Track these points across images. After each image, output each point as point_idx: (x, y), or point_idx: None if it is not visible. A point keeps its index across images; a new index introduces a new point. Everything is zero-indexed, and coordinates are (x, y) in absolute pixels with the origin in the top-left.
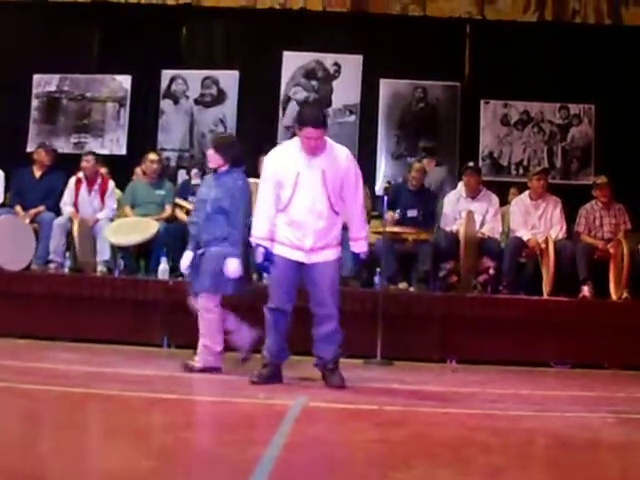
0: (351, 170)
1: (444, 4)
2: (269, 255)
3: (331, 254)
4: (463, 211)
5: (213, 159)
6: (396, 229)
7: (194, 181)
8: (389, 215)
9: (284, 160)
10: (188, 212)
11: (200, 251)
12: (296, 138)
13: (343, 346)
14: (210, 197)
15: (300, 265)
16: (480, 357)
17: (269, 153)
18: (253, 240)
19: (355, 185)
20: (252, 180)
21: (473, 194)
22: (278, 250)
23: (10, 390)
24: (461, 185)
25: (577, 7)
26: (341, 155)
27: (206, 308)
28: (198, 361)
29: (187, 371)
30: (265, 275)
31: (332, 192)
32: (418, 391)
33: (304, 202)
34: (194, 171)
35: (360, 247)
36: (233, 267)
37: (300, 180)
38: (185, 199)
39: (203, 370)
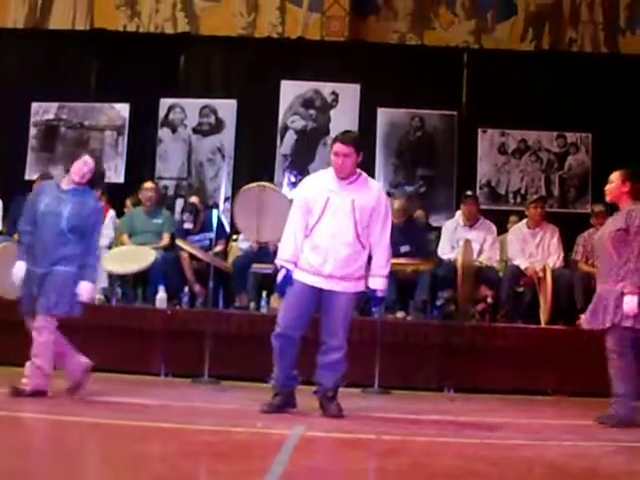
0: (382, 205)
1: (442, 33)
2: (289, 278)
3: (350, 286)
4: (461, 240)
5: (87, 172)
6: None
7: (186, 225)
8: None
9: (316, 186)
10: (192, 255)
11: (42, 269)
12: (331, 168)
13: (345, 377)
14: (65, 213)
15: (318, 292)
16: (478, 386)
17: (305, 179)
18: (277, 261)
19: (383, 221)
20: None
21: (471, 222)
22: (297, 275)
23: (7, 419)
24: (459, 214)
25: (574, 36)
26: (373, 188)
27: (48, 328)
28: (27, 384)
29: (15, 395)
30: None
31: (359, 222)
32: (416, 420)
33: (329, 227)
34: (186, 215)
35: (378, 284)
36: (88, 292)
37: (328, 205)
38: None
39: (32, 394)
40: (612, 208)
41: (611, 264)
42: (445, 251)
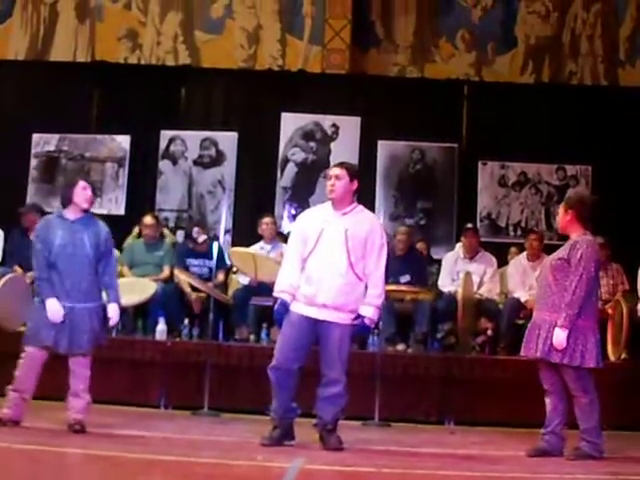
0: (376, 235)
1: (442, 66)
2: (285, 308)
3: (346, 317)
4: (461, 272)
5: (91, 196)
6: (394, 287)
7: (201, 238)
8: None
9: (312, 218)
10: (192, 286)
11: (71, 303)
12: (329, 201)
13: (345, 410)
14: (87, 243)
15: (313, 324)
16: (478, 418)
17: (302, 212)
18: (275, 294)
19: (379, 252)
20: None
21: (471, 255)
22: (294, 307)
23: (6, 450)
24: (459, 246)
25: (574, 69)
26: (367, 218)
27: (88, 364)
28: (84, 419)
29: (80, 431)
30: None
31: (353, 252)
32: (416, 453)
33: (323, 257)
34: (195, 230)
35: (368, 312)
36: (117, 313)
37: (323, 236)
38: (185, 266)
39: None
40: (612, 240)
41: (547, 292)
42: (445, 283)
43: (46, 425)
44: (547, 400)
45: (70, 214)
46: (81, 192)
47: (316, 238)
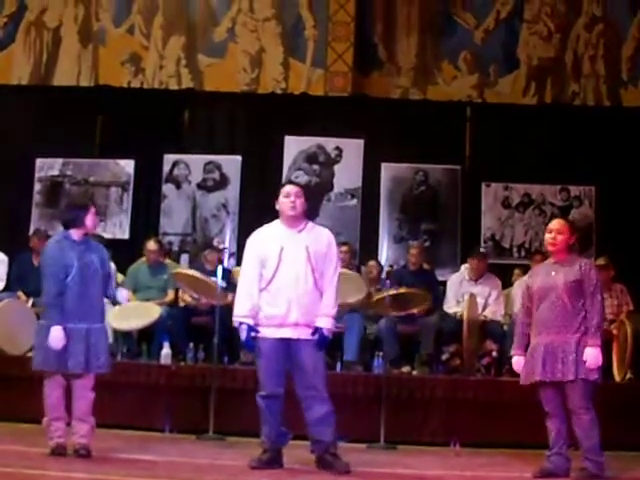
0: (332, 250)
1: (444, 88)
2: (253, 331)
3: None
4: (466, 294)
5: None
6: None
7: (221, 245)
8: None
9: (267, 238)
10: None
11: (87, 324)
12: (278, 220)
13: (339, 428)
14: (97, 264)
15: (286, 345)
16: (484, 440)
17: (252, 234)
18: (235, 319)
19: (335, 266)
20: None
21: (476, 277)
22: (263, 332)
23: (9, 475)
24: (464, 267)
25: (576, 89)
26: (323, 234)
27: (91, 387)
28: (89, 444)
29: (85, 455)
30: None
31: (316, 268)
32: (422, 475)
33: (288, 276)
34: (207, 251)
35: (325, 323)
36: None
37: (283, 255)
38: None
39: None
40: (616, 261)
41: (564, 314)
42: (451, 305)
43: (40, 449)
44: (549, 423)
45: (75, 235)
46: (93, 218)
47: (277, 258)
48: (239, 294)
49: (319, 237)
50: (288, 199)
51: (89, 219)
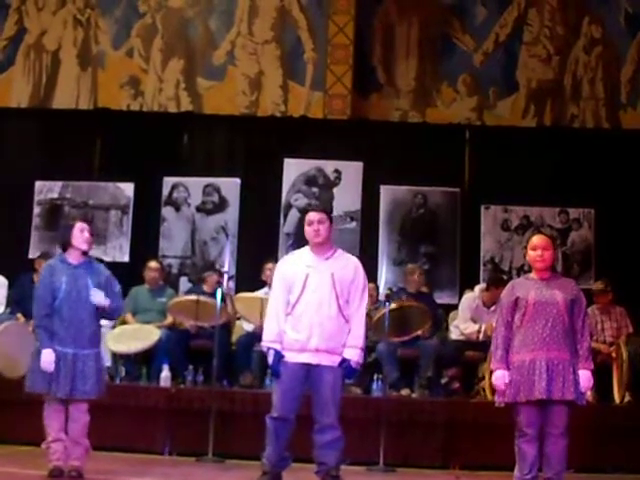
0: (360, 278)
1: (443, 110)
2: (280, 358)
3: (337, 360)
4: (477, 319)
5: (89, 237)
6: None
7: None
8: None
9: (294, 264)
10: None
11: (74, 350)
12: (307, 246)
13: (345, 453)
14: (91, 288)
15: (307, 370)
16: (484, 463)
17: (282, 258)
18: (263, 344)
19: (361, 295)
20: (262, 292)
21: (491, 304)
22: (286, 356)
23: None
24: (479, 290)
25: (575, 112)
26: (350, 262)
27: (87, 410)
28: (82, 466)
29: (76, 477)
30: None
31: (340, 295)
32: None
33: (312, 303)
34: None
35: (353, 355)
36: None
37: (309, 282)
38: None
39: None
40: (616, 283)
41: (562, 333)
42: (467, 324)
43: (38, 472)
44: (526, 446)
45: (72, 258)
46: (79, 235)
47: (302, 284)
48: (268, 319)
49: (346, 264)
50: (311, 227)
51: (75, 238)
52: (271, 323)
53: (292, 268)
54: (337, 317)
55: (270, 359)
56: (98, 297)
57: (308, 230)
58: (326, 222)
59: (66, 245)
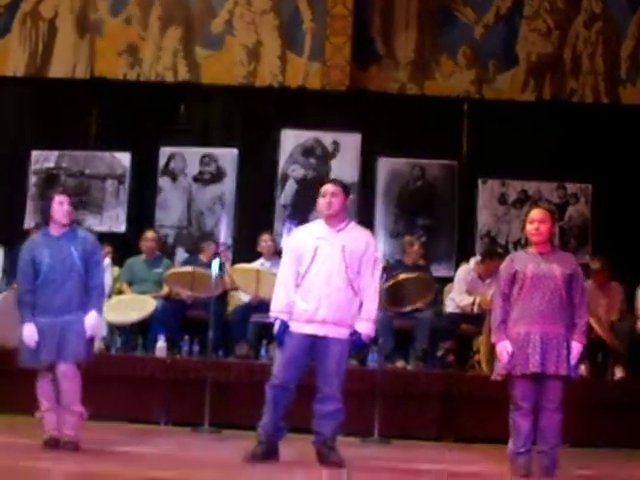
0: (371, 250)
1: (442, 83)
2: (286, 328)
3: (345, 333)
4: (474, 292)
5: (68, 209)
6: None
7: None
8: None
9: (304, 235)
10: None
11: (62, 317)
12: (320, 219)
13: (342, 425)
14: (75, 258)
15: (312, 341)
16: (478, 435)
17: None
18: (271, 314)
19: (373, 266)
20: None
21: (488, 277)
22: (293, 327)
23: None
24: (474, 263)
25: (575, 86)
26: (362, 235)
27: (78, 375)
28: (77, 436)
29: (72, 449)
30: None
31: (350, 268)
32: (416, 469)
33: (321, 273)
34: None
35: (365, 328)
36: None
37: (319, 253)
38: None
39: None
40: (611, 258)
41: (559, 307)
42: (462, 297)
43: (34, 441)
44: (521, 419)
45: (54, 230)
46: (58, 207)
47: (312, 255)
48: (276, 289)
49: (358, 237)
50: (324, 199)
51: (55, 211)
52: (279, 294)
53: (302, 239)
54: (346, 289)
55: (276, 328)
56: (89, 323)
57: (321, 202)
58: (340, 195)
59: (47, 219)
